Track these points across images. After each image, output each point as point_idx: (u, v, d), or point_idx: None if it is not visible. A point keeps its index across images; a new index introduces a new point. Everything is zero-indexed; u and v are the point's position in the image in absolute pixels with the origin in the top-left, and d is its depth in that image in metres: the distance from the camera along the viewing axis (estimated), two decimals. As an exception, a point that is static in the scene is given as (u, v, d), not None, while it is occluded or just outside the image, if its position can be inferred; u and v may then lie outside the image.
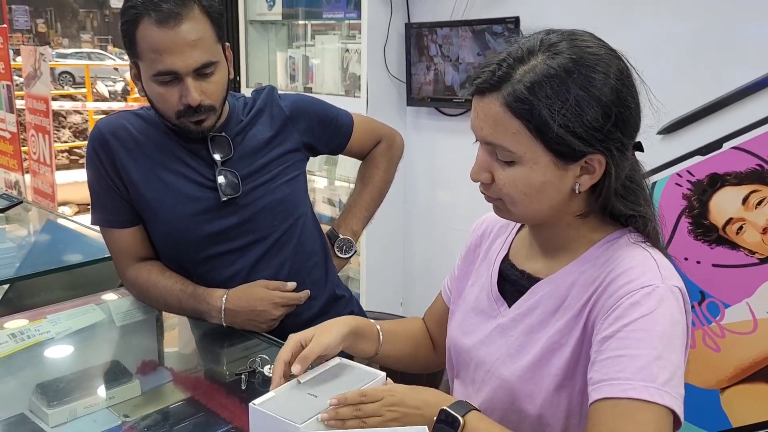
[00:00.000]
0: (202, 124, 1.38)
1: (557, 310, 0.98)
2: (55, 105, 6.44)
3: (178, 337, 1.63)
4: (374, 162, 1.73)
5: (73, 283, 1.82)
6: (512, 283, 1.07)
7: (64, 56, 18.52)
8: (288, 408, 0.92)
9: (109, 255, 1.53)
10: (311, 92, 3.09)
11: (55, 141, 5.05)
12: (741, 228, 1.95)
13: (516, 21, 2.38)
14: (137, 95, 8.24)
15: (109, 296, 1.58)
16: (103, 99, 11.06)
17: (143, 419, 1.20)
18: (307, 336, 1.06)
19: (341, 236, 1.68)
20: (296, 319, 1.46)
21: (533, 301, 1.01)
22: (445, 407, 0.91)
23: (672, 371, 0.84)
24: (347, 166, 2.96)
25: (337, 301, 1.61)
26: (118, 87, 12.97)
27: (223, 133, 1.45)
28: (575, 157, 0.90)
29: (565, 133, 0.87)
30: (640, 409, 0.82)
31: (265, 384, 1.26)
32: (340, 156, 1.73)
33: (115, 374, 1.37)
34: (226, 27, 3.14)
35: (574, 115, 0.87)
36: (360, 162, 1.75)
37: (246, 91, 3.31)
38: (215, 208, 1.43)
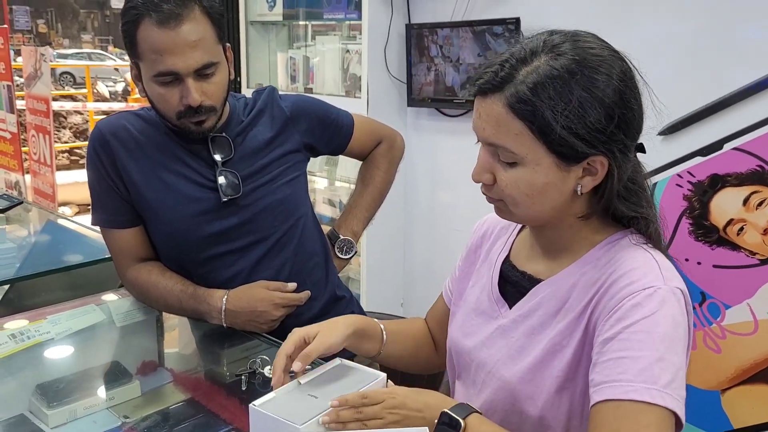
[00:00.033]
0: (202, 125, 1.38)
1: (558, 312, 0.97)
2: (55, 105, 6.44)
3: (178, 338, 1.63)
4: (375, 163, 1.72)
5: (73, 283, 1.82)
6: (513, 285, 1.06)
7: (65, 57, 18.55)
8: (288, 409, 0.92)
9: (110, 255, 1.53)
10: (312, 93, 3.08)
11: (55, 141, 5.04)
12: (742, 229, 1.95)
13: (516, 22, 2.37)
14: (138, 96, 8.25)
15: (110, 297, 1.57)
16: (104, 99, 11.07)
17: (143, 420, 1.20)
18: (311, 332, 1.06)
19: (342, 237, 1.67)
20: (297, 320, 1.46)
21: (534, 302, 1.01)
22: (446, 410, 0.91)
23: (674, 373, 0.84)
24: (348, 166, 2.95)
25: (338, 301, 1.61)
26: (119, 87, 13.00)
27: (224, 134, 1.45)
28: (578, 159, 0.90)
29: (567, 135, 0.87)
30: (642, 411, 0.82)
31: (265, 385, 1.25)
32: (341, 157, 1.73)
33: (115, 375, 1.37)
34: (226, 27, 3.13)
35: (576, 117, 0.87)
36: (360, 163, 1.75)
37: (246, 92, 3.31)
38: (216, 208, 1.42)
